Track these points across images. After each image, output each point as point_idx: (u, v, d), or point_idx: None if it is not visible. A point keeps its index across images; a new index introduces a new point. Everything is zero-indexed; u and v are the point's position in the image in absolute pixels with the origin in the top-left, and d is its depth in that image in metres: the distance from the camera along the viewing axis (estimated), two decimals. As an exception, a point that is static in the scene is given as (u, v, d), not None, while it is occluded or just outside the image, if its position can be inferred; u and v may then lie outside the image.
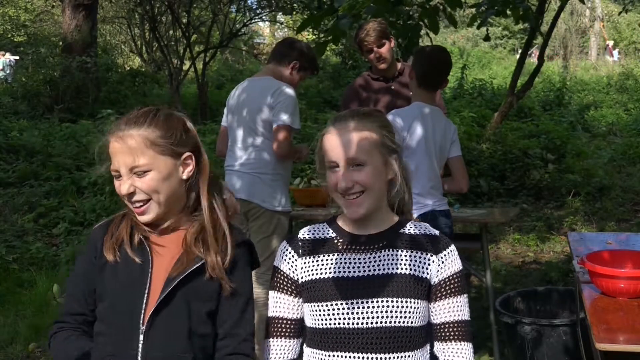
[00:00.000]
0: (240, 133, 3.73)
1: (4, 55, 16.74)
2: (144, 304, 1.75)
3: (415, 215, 3.18)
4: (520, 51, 11.69)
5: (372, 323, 1.69)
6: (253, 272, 3.95)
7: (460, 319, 1.76)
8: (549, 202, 7.98)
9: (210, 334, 1.82)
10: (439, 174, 3.38)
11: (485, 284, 4.14)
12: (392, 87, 4.15)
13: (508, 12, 3.90)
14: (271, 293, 1.81)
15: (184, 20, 14.00)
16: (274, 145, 3.62)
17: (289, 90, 3.65)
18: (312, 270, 1.75)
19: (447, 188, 3.47)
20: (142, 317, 1.75)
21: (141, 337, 1.74)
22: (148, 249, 1.79)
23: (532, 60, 14.81)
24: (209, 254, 1.80)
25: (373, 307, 1.69)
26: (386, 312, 1.69)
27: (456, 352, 1.76)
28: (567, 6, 18.37)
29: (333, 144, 1.72)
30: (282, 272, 1.79)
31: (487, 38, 5.81)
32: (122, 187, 1.75)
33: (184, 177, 1.82)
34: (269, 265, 3.62)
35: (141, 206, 1.77)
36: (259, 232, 3.66)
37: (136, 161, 1.75)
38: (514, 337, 3.63)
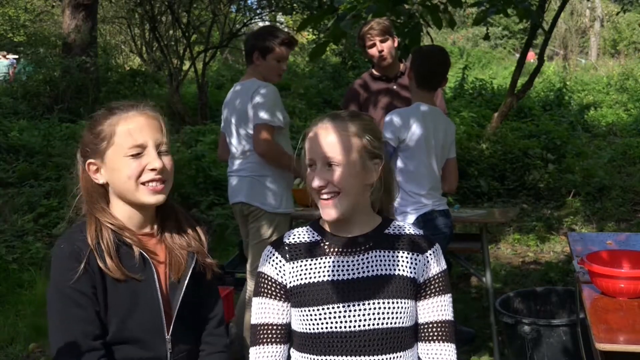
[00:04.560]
0: (234, 137, 3.74)
1: (5, 56, 16.74)
2: (163, 315, 1.76)
3: (414, 215, 3.24)
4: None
5: (363, 326, 1.68)
6: (248, 270, 3.94)
7: (444, 318, 1.75)
8: (549, 202, 7.98)
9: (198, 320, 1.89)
10: (438, 174, 3.39)
11: (485, 284, 4.15)
12: (393, 88, 4.15)
13: (509, 11, 3.90)
14: (257, 299, 1.76)
15: (184, 20, 13.99)
16: (254, 144, 3.58)
17: (265, 89, 3.58)
18: (301, 274, 1.73)
19: (444, 189, 3.49)
20: (165, 327, 1.76)
21: (169, 345, 1.77)
22: (150, 260, 1.77)
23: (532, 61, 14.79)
24: (192, 243, 1.84)
25: (364, 309, 1.68)
26: (377, 313, 1.68)
27: (439, 353, 1.75)
28: (567, 6, 18.36)
29: (312, 143, 1.72)
30: (269, 278, 1.75)
31: (486, 37, 5.83)
32: (156, 161, 1.72)
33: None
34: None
35: (161, 184, 1.75)
36: (259, 233, 3.66)
37: (164, 139, 1.76)
38: (514, 337, 3.63)
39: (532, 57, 15.12)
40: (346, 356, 1.68)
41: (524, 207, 7.71)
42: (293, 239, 1.79)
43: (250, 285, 3.73)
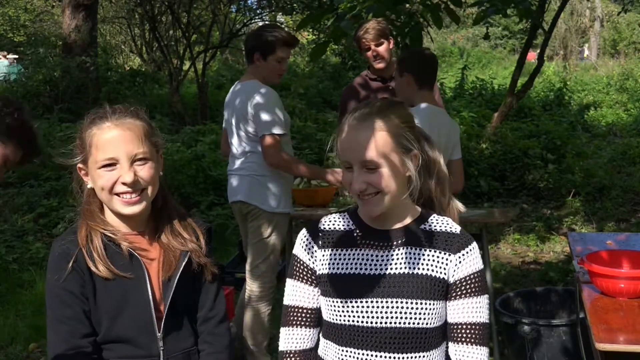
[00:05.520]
0: (234, 137, 3.74)
1: (5, 56, 16.72)
2: (154, 312, 1.76)
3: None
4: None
5: (387, 323, 1.66)
6: (247, 269, 3.97)
7: (475, 320, 1.70)
8: (549, 202, 7.98)
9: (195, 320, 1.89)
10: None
11: (485, 284, 4.14)
12: (391, 87, 4.15)
13: (509, 11, 3.90)
14: (290, 281, 1.78)
15: (184, 20, 13.99)
16: (264, 156, 3.58)
17: (265, 94, 3.57)
18: (329, 264, 1.72)
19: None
20: (155, 325, 1.76)
21: (160, 343, 1.77)
22: (138, 258, 1.78)
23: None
24: (188, 244, 1.83)
25: (389, 307, 1.66)
26: (401, 312, 1.66)
27: (469, 356, 1.70)
28: (567, 6, 18.36)
29: (347, 143, 1.67)
30: (301, 262, 1.76)
31: (486, 36, 5.84)
32: (126, 175, 1.71)
33: (160, 173, 1.83)
34: (268, 265, 3.65)
35: (137, 196, 1.74)
36: (257, 233, 3.66)
37: (139, 149, 1.73)
38: (514, 337, 3.62)
39: (532, 57, 15.10)
40: (367, 350, 1.67)
41: (524, 207, 7.71)
42: (328, 225, 1.77)
43: (249, 284, 3.72)
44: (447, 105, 10.35)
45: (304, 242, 1.77)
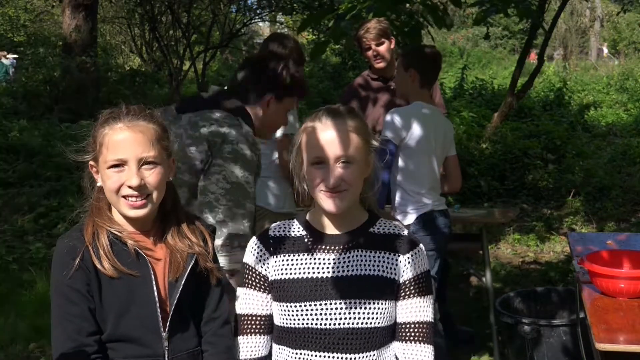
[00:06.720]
0: None
1: (5, 56, 16.70)
2: (159, 312, 1.76)
3: (414, 215, 3.24)
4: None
5: (339, 324, 1.69)
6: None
7: (422, 320, 1.75)
8: (549, 202, 7.98)
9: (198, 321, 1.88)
10: (438, 174, 3.39)
11: (485, 284, 4.15)
12: (392, 87, 4.15)
13: (509, 11, 3.90)
14: (241, 290, 1.80)
15: (184, 20, 13.99)
16: (279, 156, 3.57)
17: None
18: (282, 269, 1.74)
19: (446, 189, 3.49)
20: (161, 325, 1.76)
21: (165, 343, 1.77)
22: (145, 256, 1.77)
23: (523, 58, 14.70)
24: (195, 247, 1.82)
25: (341, 308, 1.69)
26: (354, 313, 1.69)
27: (415, 354, 1.75)
28: (567, 6, 18.36)
29: (321, 139, 1.69)
30: (253, 269, 1.78)
31: (487, 37, 5.84)
32: (133, 179, 1.70)
33: (170, 178, 1.83)
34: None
35: (142, 199, 1.74)
36: (261, 234, 3.66)
37: (148, 152, 1.73)
38: (514, 337, 3.63)
39: (533, 57, 15.08)
40: (321, 352, 1.70)
41: (524, 207, 7.70)
42: (278, 232, 1.80)
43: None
44: (447, 105, 10.34)
45: (254, 250, 1.79)
